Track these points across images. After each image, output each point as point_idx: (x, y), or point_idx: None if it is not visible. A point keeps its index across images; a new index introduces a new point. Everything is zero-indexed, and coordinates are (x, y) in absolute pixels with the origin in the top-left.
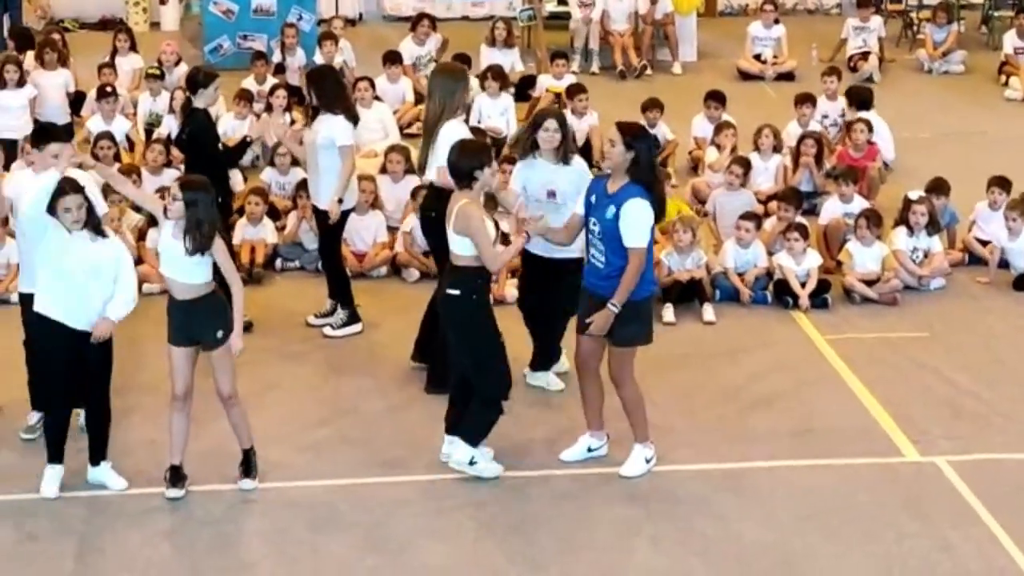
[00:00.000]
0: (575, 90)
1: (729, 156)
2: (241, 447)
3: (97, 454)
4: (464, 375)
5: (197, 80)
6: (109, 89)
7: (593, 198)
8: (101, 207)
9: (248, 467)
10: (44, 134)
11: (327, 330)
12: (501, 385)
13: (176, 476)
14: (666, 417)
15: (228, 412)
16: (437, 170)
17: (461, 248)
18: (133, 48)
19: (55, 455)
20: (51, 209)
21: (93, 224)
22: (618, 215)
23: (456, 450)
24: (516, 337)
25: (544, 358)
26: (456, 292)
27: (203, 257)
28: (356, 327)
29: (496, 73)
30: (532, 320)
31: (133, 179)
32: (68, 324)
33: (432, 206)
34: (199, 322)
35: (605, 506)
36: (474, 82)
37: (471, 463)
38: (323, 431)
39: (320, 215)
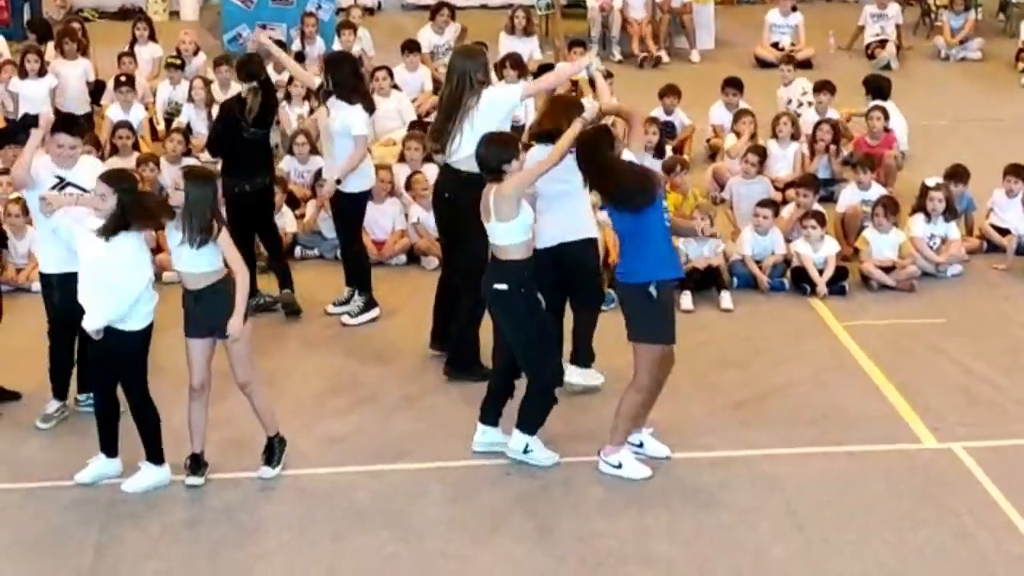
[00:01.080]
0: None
1: (748, 142)
2: (267, 434)
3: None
4: (507, 365)
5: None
6: (125, 78)
7: None
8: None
9: (271, 454)
10: (59, 123)
11: (345, 319)
12: (555, 373)
13: (196, 464)
14: (683, 404)
15: (250, 400)
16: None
17: (504, 238)
18: (152, 37)
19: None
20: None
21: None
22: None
23: (512, 439)
24: None
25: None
26: (504, 287)
27: (207, 247)
28: (374, 312)
29: (515, 61)
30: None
31: (151, 167)
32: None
33: (447, 187)
34: (212, 311)
35: (623, 495)
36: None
37: (525, 451)
38: (342, 419)
39: (337, 202)
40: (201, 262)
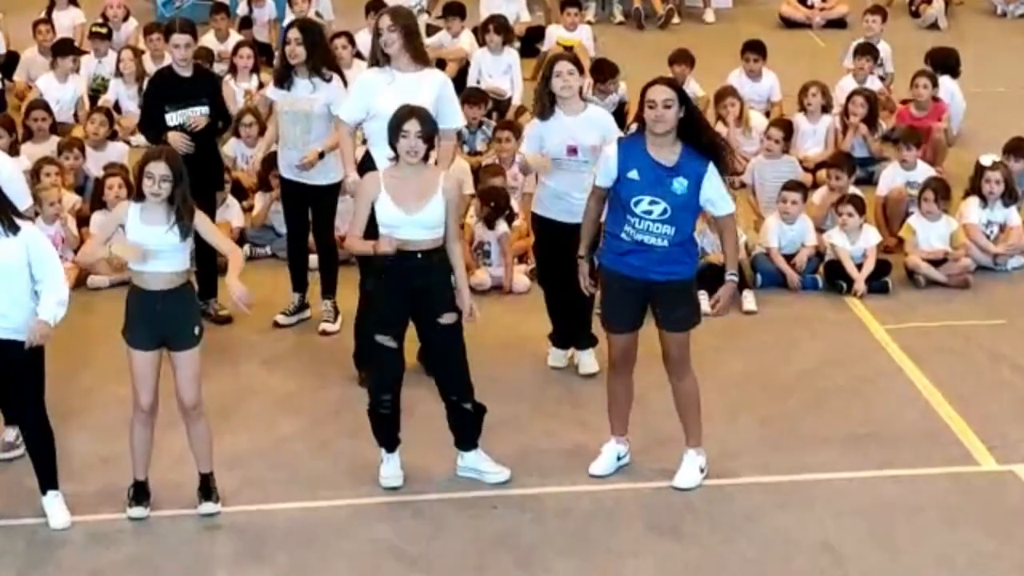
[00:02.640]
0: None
1: (738, 126)
2: (199, 470)
3: (44, 482)
4: None
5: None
6: (59, 45)
7: (635, 173)
8: (24, 199)
9: (208, 490)
10: None
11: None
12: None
13: (141, 493)
14: (704, 422)
15: (191, 426)
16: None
17: None
18: (73, 1)
19: None
20: None
21: (4, 216)
22: (696, 187)
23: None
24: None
25: (582, 335)
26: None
27: (187, 240)
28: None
29: (499, 25)
30: (557, 295)
31: (75, 154)
32: None
33: None
34: (174, 318)
35: (639, 525)
36: (469, 36)
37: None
38: (301, 443)
39: (308, 195)
40: (179, 258)
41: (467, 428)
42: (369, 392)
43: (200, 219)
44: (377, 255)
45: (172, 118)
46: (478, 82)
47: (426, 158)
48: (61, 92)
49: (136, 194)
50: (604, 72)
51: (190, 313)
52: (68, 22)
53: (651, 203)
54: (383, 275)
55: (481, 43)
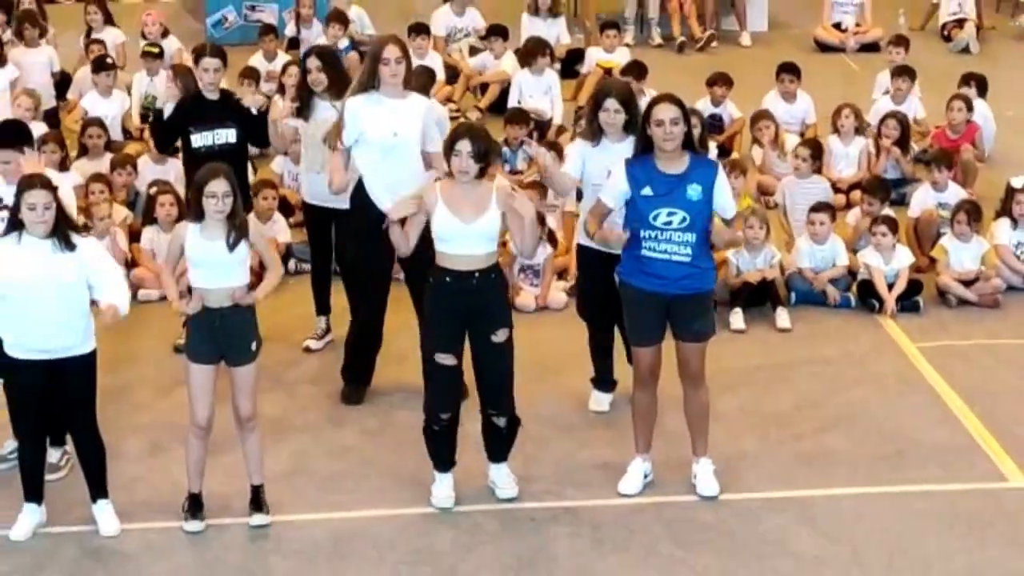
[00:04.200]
0: (626, 71)
1: (773, 150)
2: (251, 483)
3: (95, 491)
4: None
5: None
6: (110, 61)
7: (648, 190)
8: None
9: (259, 502)
10: (14, 139)
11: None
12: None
13: (196, 506)
14: (735, 437)
15: (245, 438)
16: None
17: None
18: (109, 21)
19: (30, 494)
20: (14, 210)
21: (61, 232)
22: (710, 191)
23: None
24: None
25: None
26: None
27: (245, 253)
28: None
29: (540, 47)
30: (601, 331)
31: (128, 171)
32: (28, 357)
33: None
34: (232, 334)
35: (669, 539)
36: (511, 58)
37: None
38: (345, 457)
39: (334, 218)
40: (238, 273)
41: (497, 442)
42: (425, 409)
43: (255, 230)
44: (434, 277)
45: (196, 139)
46: (519, 102)
47: (481, 175)
48: (106, 108)
49: (194, 214)
50: (633, 72)
51: (248, 329)
52: (110, 42)
53: (669, 214)
54: (440, 295)
55: (523, 64)
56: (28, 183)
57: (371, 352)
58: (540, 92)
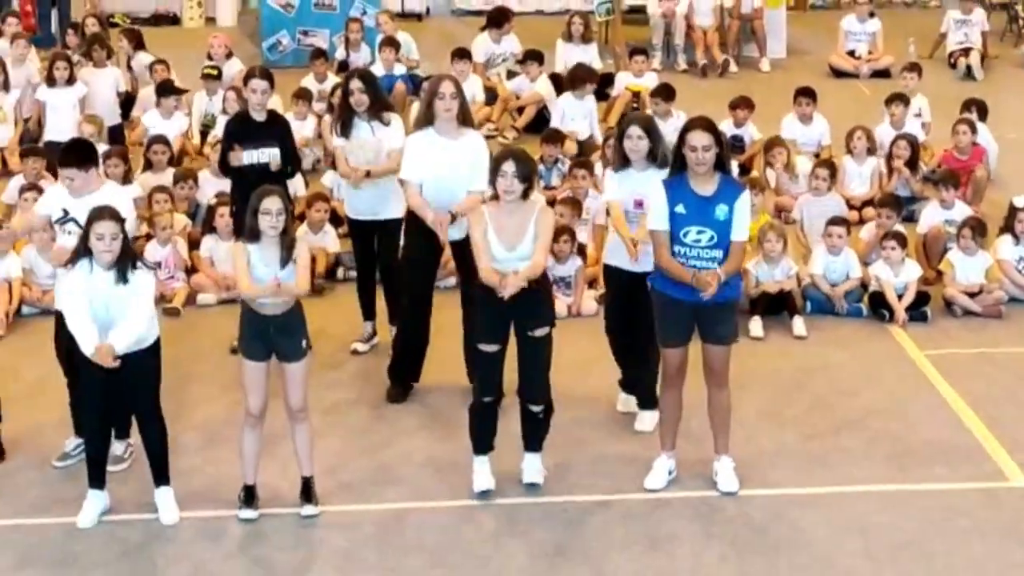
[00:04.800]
0: (655, 93)
1: (784, 173)
2: (302, 473)
3: (158, 476)
4: None
5: None
6: (167, 85)
7: (681, 208)
8: (132, 229)
9: (309, 493)
10: (65, 154)
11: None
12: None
13: (250, 496)
14: (753, 437)
15: (296, 430)
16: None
17: None
18: (140, 47)
19: (95, 482)
20: (83, 237)
21: (121, 266)
22: (732, 212)
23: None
24: (583, 347)
25: (646, 397)
26: None
27: (293, 265)
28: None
29: (590, 75)
30: (626, 344)
31: (190, 185)
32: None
33: None
34: (284, 335)
35: (692, 530)
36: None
37: None
38: (391, 450)
39: (378, 231)
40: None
41: (533, 430)
42: (473, 392)
43: (300, 247)
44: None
45: (244, 157)
46: (560, 123)
47: (525, 196)
48: (167, 127)
49: (251, 234)
50: (663, 94)
51: (299, 329)
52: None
53: (699, 232)
54: (487, 294)
55: (569, 89)
56: (98, 214)
57: (415, 354)
58: (581, 115)
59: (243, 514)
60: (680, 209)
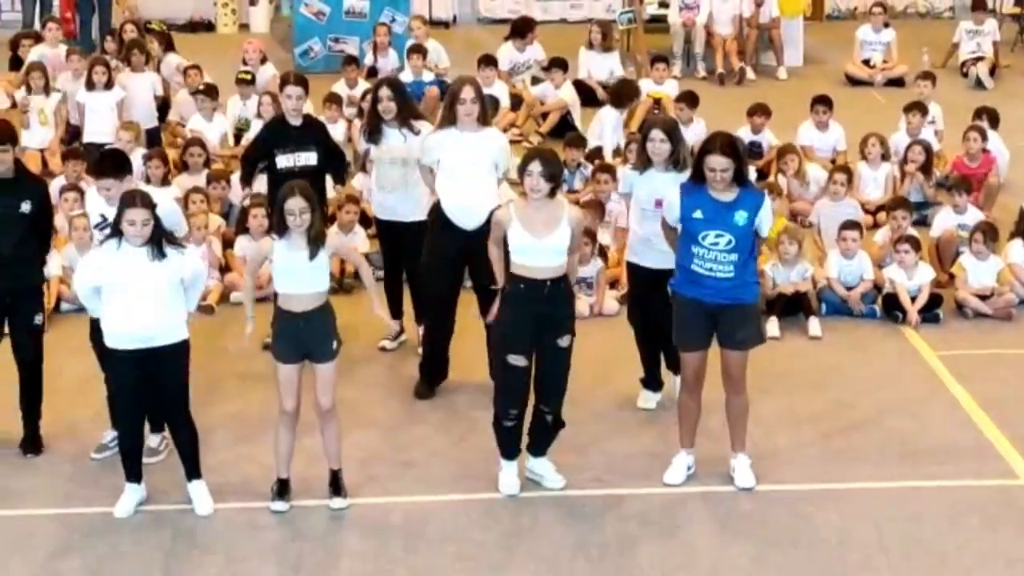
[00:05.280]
0: (680, 99)
1: (794, 177)
2: (330, 467)
3: (190, 471)
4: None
5: None
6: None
7: (699, 213)
8: (181, 228)
9: (337, 487)
10: (101, 165)
11: (421, 349)
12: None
13: (284, 490)
14: (769, 434)
15: (325, 427)
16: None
17: None
18: (170, 48)
19: (131, 475)
20: (116, 222)
21: (156, 243)
22: (753, 218)
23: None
24: (604, 346)
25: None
26: None
27: (324, 261)
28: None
29: (637, 92)
30: (649, 339)
31: (223, 185)
32: (127, 348)
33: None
34: (315, 335)
35: (708, 525)
36: (570, 88)
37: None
38: (418, 447)
39: (405, 233)
40: (320, 279)
41: (542, 436)
42: (495, 405)
43: (340, 240)
44: (509, 285)
45: (281, 161)
46: (600, 136)
47: (552, 194)
48: (208, 130)
49: (278, 229)
50: (687, 101)
51: (329, 330)
52: (173, 66)
53: (717, 236)
54: (514, 301)
55: (614, 104)
56: (130, 200)
57: (441, 353)
58: (611, 128)
59: (275, 506)
60: (698, 214)
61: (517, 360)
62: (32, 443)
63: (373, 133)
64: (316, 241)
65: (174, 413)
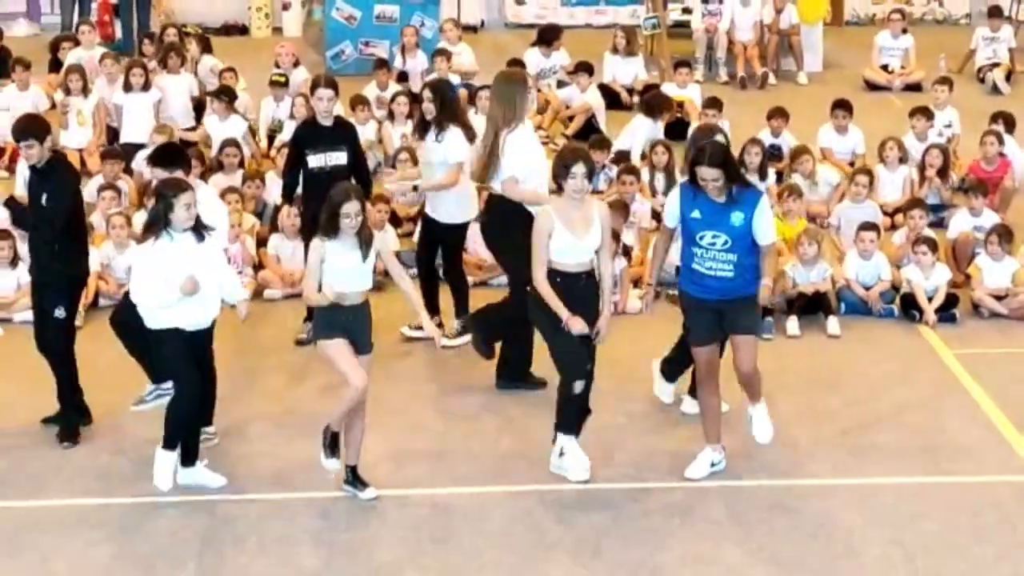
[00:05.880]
0: (708, 104)
1: (805, 178)
2: (349, 463)
3: (194, 454)
4: None
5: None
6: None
7: (697, 213)
8: (223, 224)
9: (358, 480)
10: (163, 158)
11: (444, 341)
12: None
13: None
14: (790, 431)
15: (354, 421)
16: (502, 183)
17: None
18: (207, 50)
19: (181, 448)
20: (164, 213)
21: (197, 225)
22: (751, 218)
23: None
24: (627, 345)
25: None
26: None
27: (373, 260)
28: (468, 337)
29: (671, 104)
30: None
31: (257, 184)
32: (188, 328)
33: (487, 212)
34: (360, 328)
35: (729, 518)
36: (595, 91)
37: (561, 453)
38: (450, 439)
39: (439, 230)
40: (369, 276)
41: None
42: (563, 378)
43: (380, 243)
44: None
45: (312, 161)
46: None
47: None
48: (222, 131)
49: (330, 231)
50: (715, 106)
51: (369, 324)
52: (208, 68)
53: (713, 236)
54: (558, 290)
55: (648, 114)
56: (181, 186)
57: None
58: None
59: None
60: (696, 215)
61: (576, 324)
62: (66, 433)
63: (421, 131)
64: (368, 242)
65: (206, 388)
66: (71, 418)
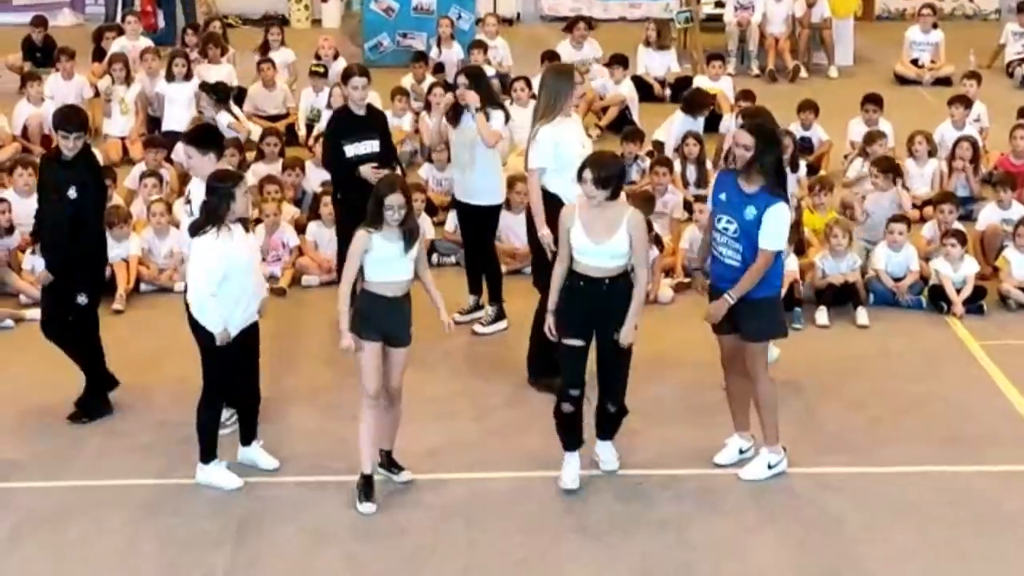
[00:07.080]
0: (743, 97)
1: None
2: (384, 448)
3: (252, 435)
4: None
5: None
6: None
7: (724, 195)
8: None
9: (393, 463)
10: (198, 138)
11: (477, 327)
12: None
13: (369, 488)
14: (816, 420)
15: (390, 410)
16: (527, 172)
17: None
18: (283, 43)
19: (212, 452)
20: (228, 199)
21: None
22: (760, 217)
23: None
24: (659, 334)
25: None
26: None
27: (415, 252)
28: (503, 324)
29: (710, 100)
30: None
31: (296, 172)
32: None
33: None
34: (399, 319)
35: (758, 506)
36: (629, 84)
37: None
38: (477, 427)
39: (472, 214)
40: (410, 267)
41: (607, 424)
42: (557, 394)
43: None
44: (568, 279)
45: (348, 150)
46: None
47: (613, 196)
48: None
49: (374, 222)
50: (749, 99)
51: (409, 317)
52: (281, 60)
53: (728, 222)
54: (572, 294)
55: (688, 111)
56: (235, 176)
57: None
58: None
59: (363, 508)
60: (723, 196)
61: (574, 341)
62: (82, 412)
63: (454, 118)
64: (412, 235)
65: (252, 379)
66: (89, 402)
